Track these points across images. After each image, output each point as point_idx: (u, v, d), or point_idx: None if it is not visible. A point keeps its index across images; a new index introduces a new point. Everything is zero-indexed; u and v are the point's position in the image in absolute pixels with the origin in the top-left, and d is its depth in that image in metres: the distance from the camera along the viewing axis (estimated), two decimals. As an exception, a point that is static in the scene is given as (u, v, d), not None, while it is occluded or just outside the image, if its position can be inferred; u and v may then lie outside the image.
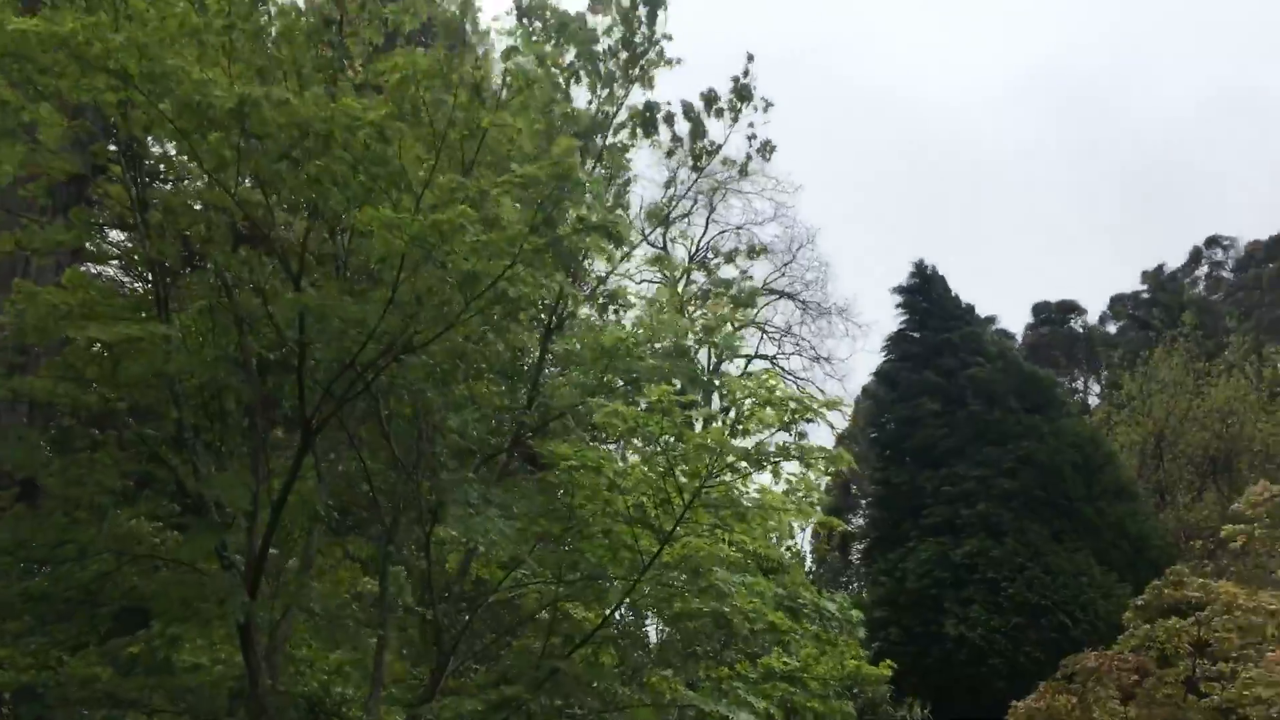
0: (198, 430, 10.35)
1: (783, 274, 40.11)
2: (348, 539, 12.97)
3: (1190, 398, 33.77)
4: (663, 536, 8.90)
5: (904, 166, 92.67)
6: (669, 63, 15.82)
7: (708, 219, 38.75)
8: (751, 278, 39.10)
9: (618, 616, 11.08)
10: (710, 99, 33.01)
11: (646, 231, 32.64)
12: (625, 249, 14.58)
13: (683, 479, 8.81)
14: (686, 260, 38.91)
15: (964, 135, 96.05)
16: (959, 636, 25.21)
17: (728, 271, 39.85)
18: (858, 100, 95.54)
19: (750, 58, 32.06)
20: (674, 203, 35.95)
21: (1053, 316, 55.47)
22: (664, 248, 37.39)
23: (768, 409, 9.66)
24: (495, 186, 8.63)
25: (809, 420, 9.65)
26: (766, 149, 34.88)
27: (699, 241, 39.12)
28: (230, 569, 10.99)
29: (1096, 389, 52.48)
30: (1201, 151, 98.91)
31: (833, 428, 38.96)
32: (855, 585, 35.80)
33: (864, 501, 35.28)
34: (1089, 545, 26.00)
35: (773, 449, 9.81)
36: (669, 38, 15.03)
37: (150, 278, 10.37)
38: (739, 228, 39.01)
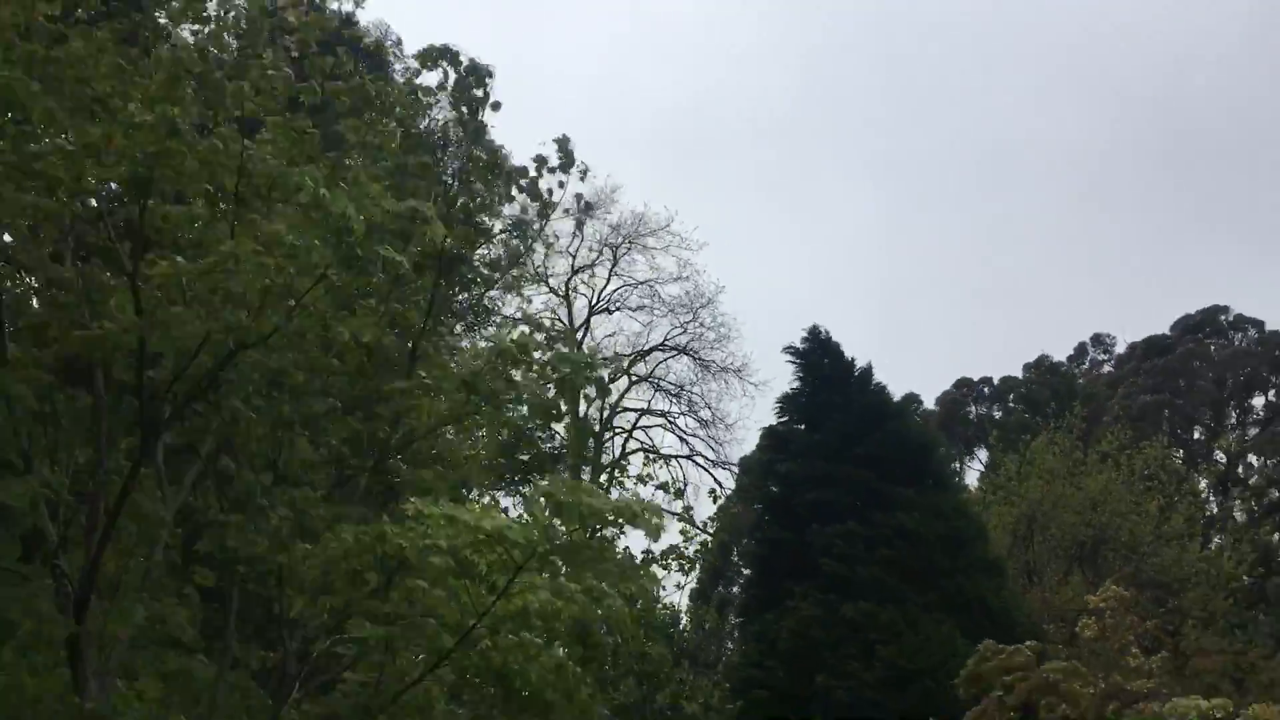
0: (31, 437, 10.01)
1: (684, 330, 40.49)
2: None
3: (1064, 484, 34.71)
4: (498, 591, 8.74)
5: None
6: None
7: (610, 271, 39.11)
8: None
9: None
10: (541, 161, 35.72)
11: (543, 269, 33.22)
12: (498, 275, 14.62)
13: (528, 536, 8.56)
14: (588, 309, 39.21)
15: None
16: (826, 690, 25.22)
17: (631, 326, 40.26)
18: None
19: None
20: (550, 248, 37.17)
21: (955, 394, 57.58)
22: (566, 296, 37.62)
23: None
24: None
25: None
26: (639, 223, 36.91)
27: (600, 292, 39.42)
28: (62, 579, 10.58)
29: (977, 465, 54.09)
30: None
31: (714, 495, 39.32)
32: (728, 647, 35.80)
33: (742, 566, 35.32)
34: (955, 618, 26.29)
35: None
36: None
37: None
38: (641, 283, 39.43)
